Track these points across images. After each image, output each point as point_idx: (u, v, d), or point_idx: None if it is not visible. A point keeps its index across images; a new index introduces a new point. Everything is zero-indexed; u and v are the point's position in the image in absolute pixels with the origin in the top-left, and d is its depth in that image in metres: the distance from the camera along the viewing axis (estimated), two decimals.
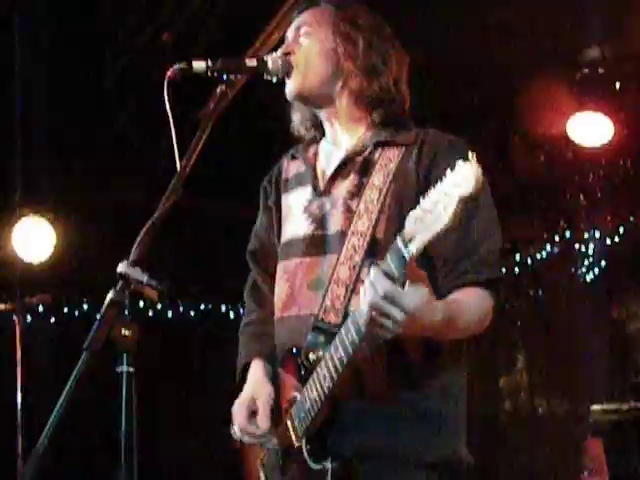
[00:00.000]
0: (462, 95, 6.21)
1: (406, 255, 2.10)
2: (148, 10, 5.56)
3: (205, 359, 7.83)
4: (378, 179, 2.58)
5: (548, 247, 7.44)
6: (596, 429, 5.93)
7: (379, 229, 2.53)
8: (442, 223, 2.02)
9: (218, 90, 2.47)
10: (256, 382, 2.77)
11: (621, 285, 7.58)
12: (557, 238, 7.49)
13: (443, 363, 2.55)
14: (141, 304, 2.24)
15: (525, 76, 6.14)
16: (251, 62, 2.59)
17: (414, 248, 2.08)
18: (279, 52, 2.69)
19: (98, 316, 2.12)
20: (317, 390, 2.46)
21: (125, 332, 2.12)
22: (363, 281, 2.31)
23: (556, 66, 6.23)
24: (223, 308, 8.12)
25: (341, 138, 2.74)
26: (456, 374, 2.60)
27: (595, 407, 5.90)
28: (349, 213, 2.58)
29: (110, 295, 2.12)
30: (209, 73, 2.50)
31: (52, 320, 7.33)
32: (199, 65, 2.49)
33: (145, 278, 2.13)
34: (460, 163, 2.01)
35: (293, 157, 2.86)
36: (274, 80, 2.66)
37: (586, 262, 7.50)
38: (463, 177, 1.99)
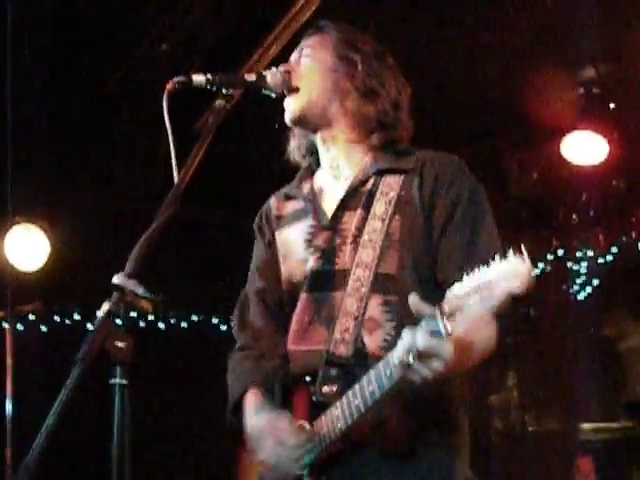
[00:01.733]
0: (457, 113, 6.22)
1: (442, 332, 2.07)
2: (147, 21, 5.55)
3: (196, 371, 7.80)
4: (380, 208, 2.59)
5: (541, 265, 7.44)
6: (587, 447, 5.94)
7: (386, 261, 2.54)
8: (481, 312, 2.02)
9: (217, 104, 2.47)
10: (269, 412, 2.65)
11: (613, 304, 7.60)
12: (550, 256, 7.50)
13: (449, 394, 2.53)
14: (133, 315, 2.22)
15: (520, 94, 6.15)
16: (250, 77, 2.60)
17: (450, 329, 2.05)
18: (279, 69, 2.70)
19: (89, 325, 2.11)
20: (328, 428, 2.45)
21: (119, 344, 2.11)
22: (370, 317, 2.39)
23: (551, 85, 6.25)
24: (215, 320, 8.11)
25: (339, 164, 2.74)
26: (457, 398, 2.58)
27: (586, 425, 5.92)
28: (355, 245, 2.59)
29: (105, 306, 2.11)
30: (208, 87, 2.50)
31: (43, 329, 7.30)
32: (198, 79, 2.49)
33: (141, 290, 2.12)
34: (512, 255, 2.01)
35: (287, 197, 2.85)
36: (273, 95, 2.66)
37: (579, 280, 7.52)
38: (514, 272, 1.99)
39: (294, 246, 2.73)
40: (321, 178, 2.80)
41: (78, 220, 6.80)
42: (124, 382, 2.10)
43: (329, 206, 2.70)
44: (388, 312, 2.51)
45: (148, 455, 7.04)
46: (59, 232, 6.60)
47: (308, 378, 2.55)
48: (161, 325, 7.84)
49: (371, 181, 2.65)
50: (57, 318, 7.38)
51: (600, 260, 7.44)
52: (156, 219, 2.21)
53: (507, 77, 6.00)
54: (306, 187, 2.80)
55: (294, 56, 2.80)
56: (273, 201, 2.88)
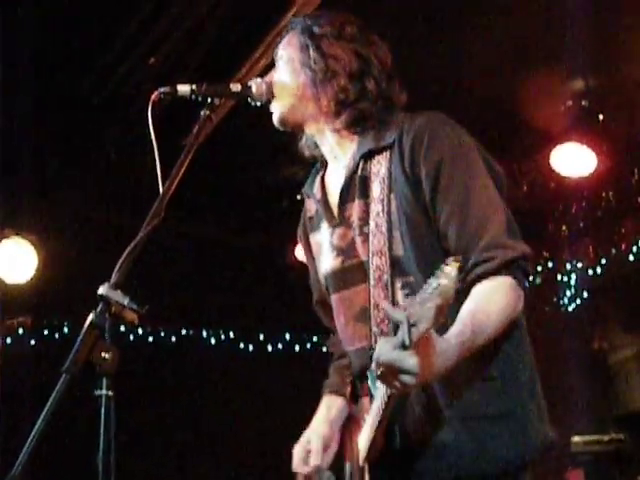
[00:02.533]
0: None
1: (407, 342, 1.98)
2: (136, 34, 5.56)
3: (186, 384, 7.80)
4: (376, 190, 2.52)
5: (530, 277, 7.44)
6: (578, 460, 5.93)
7: (394, 243, 2.47)
8: (429, 321, 1.95)
9: (202, 114, 2.47)
10: (315, 422, 2.82)
11: (603, 316, 7.61)
12: (540, 268, 7.52)
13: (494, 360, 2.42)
14: (122, 328, 2.22)
15: (509, 106, 6.17)
16: (235, 87, 2.59)
17: (414, 338, 1.97)
18: (264, 79, 2.68)
19: (78, 339, 2.11)
20: (372, 420, 2.42)
21: (105, 355, 2.11)
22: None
23: (541, 98, 6.27)
24: (204, 333, 8.10)
25: (337, 154, 2.70)
26: (514, 362, 2.47)
27: (576, 438, 5.90)
28: (364, 237, 2.53)
29: (90, 317, 2.11)
30: (193, 97, 2.50)
31: (32, 342, 7.29)
32: (183, 89, 2.49)
33: (126, 301, 2.12)
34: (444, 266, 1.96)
35: (307, 195, 2.82)
36: (258, 104, 2.66)
37: (568, 293, 7.53)
38: (443, 281, 1.95)
39: (322, 247, 2.71)
40: (329, 171, 2.76)
41: (67, 234, 6.80)
42: (109, 393, 2.10)
43: (335, 201, 2.66)
44: (408, 294, 2.35)
45: (134, 466, 7.03)
46: (48, 246, 6.59)
47: (365, 375, 2.53)
48: (150, 339, 7.84)
49: (360, 166, 2.58)
50: (46, 332, 7.37)
51: (590, 272, 7.46)
52: (141, 230, 2.22)
53: (496, 89, 6.01)
54: (317, 184, 2.77)
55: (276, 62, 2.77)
56: (306, 202, 2.85)
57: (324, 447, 2.73)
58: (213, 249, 7.63)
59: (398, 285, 2.45)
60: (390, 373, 2.06)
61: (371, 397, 2.46)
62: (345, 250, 2.60)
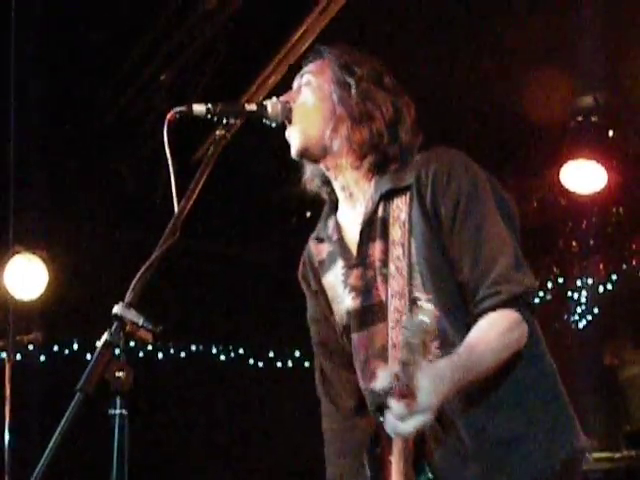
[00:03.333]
0: (455, 142, 6.24)
1: (406, 379, 2.13)
2: (148, 51, 5.58)
3: (195, 401, 7.79)
4: (396, 233, 2.56)
5: (541, 294, 7.44)
6: (588, 478, 5.91)
7: (415, 286, 2.52)
8: (419, 353, 2.10)
9: (217, 134, 2.47)
10: None
11: (614, 332, 7.59)
12: (550, 285, 7.50)
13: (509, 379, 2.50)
14: (132, 344, 2.23)
15: (519, 122, 6.18)
16: (250, 106, 2.58)
17: (410, 373, 2.12)
18: (280, 99, 2.67)
19: (89, 356, 2.12)
20: (397, 460, 2.43)
21: (119, 374, 2.11)
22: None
23: (550, 114, 6.28)
24: (214, 350, 8.10)
25: (352, 192, 2.70)
26: (530, 385, 2.55)
27: (587, 455, 5.88)
28: (383, 277, 2.57)
29: (105, 336, 2.12)
30: (209, 116, 2.50)
31: (42, 358, 7.30)
32: (199, 108, 2.48)
33: (141, 320, 2.13)
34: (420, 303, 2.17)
35: (320, 239, 2.81)
36: (273, 125, 2.66)
37: (579, 309, 7.52)
38: (420, 319, 2.11)
39: (336, 289, 2.72)
40: (342, 210, 2.76)
41: (78, 250, 6.82)
42: (124, 412, 2.11)
43: (353, 241, 2.68)
44: None
45: None
46: (59, 262, 6.60)
47: (381, 417, 2.49)
48: (160, 355, 7.84)
49: (381, 207, 2.61)
50: (56, 348, 7.38)
51: (600, 288, 7.45)
52: (156, 249, 2.22)
53: (505, 106, 6.02)
54: (331, 225, 2.77)
55: (295, 83, 2.77)
56: (312, 246, 2.85)
57: None
58: (223, 265, 7.63)
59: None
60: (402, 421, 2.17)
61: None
62: (363, 290, 2.62)
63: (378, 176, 2.65)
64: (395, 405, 2.15)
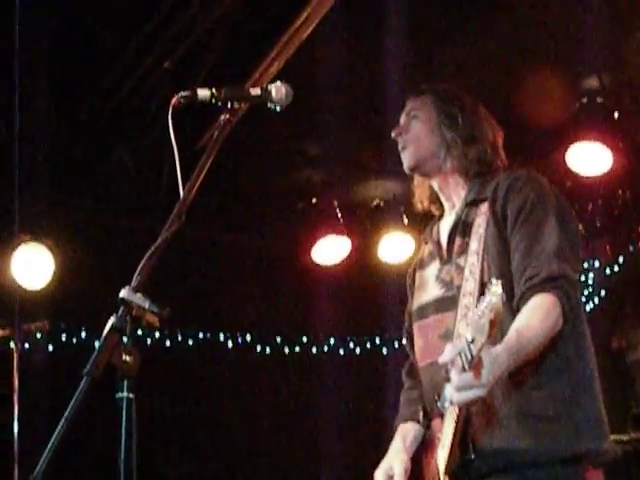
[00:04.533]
0: None
1: (467, 363, 2.44)
2: (150, 38, 5.58)
3: (203, 387, 7.82)
4: (474, 244, 2.93)
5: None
6: (596, 461, 5.92)
7: (484, 274, 2.86)
8: (484, 335, 2.39)
9: (222, 118, 2.49)
10: (394, 450, 3.10)
11: (621, 315, 7.59)
12: None
13: (544, 370, 2.81)
14: (139, 333, 2.24)
15: (524, 105, 6.17)
16: (255, 91, 2.61)
17: (475, 353, 2.42)
18: (392, 133, 3.15)
19: (96, 344, 2.13)
20: (446, 435, 2.73)
21: (126, 358, 2.13)
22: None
23: (555, 95, 6.27)
24: (221, 337, 8.12)
25: (453, 199, 3.14)
26: (564, 370, 2.84)
27: None
28: (459, 269, 2.96)
29: (112, 321, 2.13)
30: (213, 101, 2.52)
31: (50, 347, 7.32)
32: (204, 93, 2.50)
33: (147, 304, 2.14)
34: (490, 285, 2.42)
35: (425, 241, 3.26)
36: (277, 109, 2.67)
37: (586, 292, 7.51)
38: (493, 298, 2.39)
39: (428, 280, 3.11)
40: (445, 216, 3.19)
41: (84, 238, 6.83)
42: (131, 396, 2.13)
43: (445, 241, 3.10)
44: None
45: (155, 470, 7.07)
46: (65, 250, 6.62)
47: (437, 395, 2.83)
48: (168, 342, 7.85)
49: (465, 211, 3.05)
50: (64, 337, 7.40)
51: (607, 271, 7.44)
52: (162, 234, 2.23)
53: (509, 88, 6.02)
54: (434, 231, 3.20)
55: (403, 118, 3.21)
56: (420, 246, 3.32)
57: (405, 471, 3.01)
58: (229, 252, 7.64)
59: None
60: (462, 390, 2.50)
61: (442, 417, 2.80)
62: (448, 283, 3.00)
63: (467, 187, 3.10)
64: (456, 376, 2.46)
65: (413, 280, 3.24)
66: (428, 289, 3.10)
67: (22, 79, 5.29)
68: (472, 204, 3.04)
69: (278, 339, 8.30)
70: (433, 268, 3.11)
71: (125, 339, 2.15)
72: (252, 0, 5.31)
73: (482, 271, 2.86)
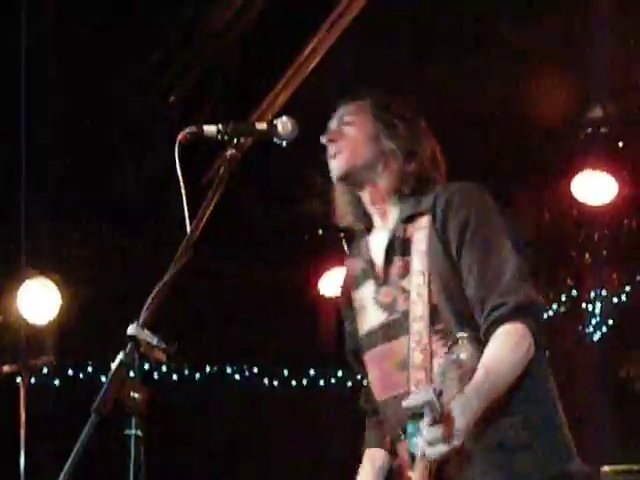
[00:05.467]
0: (466, 152, 6.26)
1: (438, 418, 2.26)
2: (156, 69, 5.61)
3: (210, 421, 7.78)
4: (418, 261, 2.76)
5: (555, 306, 7.43)
6: None
7: (432, 297, 2.71)
8: (452, 391, 2.26)
9: (228, 153, 2.49)
10: (364, 474, 3.01)
11: (629, 344, 7.56)
12: (563, 297, 7.49)
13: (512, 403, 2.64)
14: (146, 366, 2.24)
15: (528, 135, 6.19)
16: (261, 125, 2.62)
17: (444, 410, 2.25)
18: (322, 139, 2.92)
19: (103, 379, 2.12)
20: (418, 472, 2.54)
21: (134, 395, 2.12)
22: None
23: (560, 125, 6.29)
24: (228, 370, 8.10)
25: (387, 215, 2.93)
26: (532, 397, 2.68)
27: (605, 468, 5.85)
28: (404, 293, 2.77)
29: (120, 357, 2.12)
30: (220, 137, 2.52)
31: (56, 382, 7.30)
32: (210, 129, 2.51)
33: (155, 340, 2.14)
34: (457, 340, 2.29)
35: (352, 255, 3.06)
36: (283, 144, 2.69)
37: (593, 321, 7.50)
38: (462, 354, 2.27)
39: (367, 303, 2.92)
40: (375, 232, 2.98)
41: (90, 273, 6.83)
42: (139, 433, 2.11)
43: (380, 260, 2.89)
44: (441, 338, 2.70)
45: None
46: (71, 285, 6.62)
47: (400, 432, 2.71)
48: (175, 376, 7.83)
49: (401, 229, 2.84)
50: (70, 372, 7.38)
51: (614, 300, 7.43)
52: (170, 269, 2.23)
53: (514, 119, 6.04)
54: (363, 245, 2.99)
55: (334, 123, 2.97)
56: (348, 261, 3.10)
57: None
58: (236, 284, 7.63)
59: (433, 330, 2.71)
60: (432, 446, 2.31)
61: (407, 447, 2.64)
62: (389, 306, 2.82)
63: (402, 201, 2.89)
64: (427, 429, 2.27)
65: (349, 300, 3.02)
66: (369, 313, 2.91)
67: (29, 113, 5.32)
68: (408, 220, 2.85)
69: (285, 372, 8.28)
70: (368, 289, 2.92)
71: (133, 376, 2.14)
72: (257, 34, 5.33)
73: (430, 293, 2.70)
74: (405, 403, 2.32)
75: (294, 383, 8.29)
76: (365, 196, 2.95)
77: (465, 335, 2.30)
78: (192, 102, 5.69)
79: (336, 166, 2.91)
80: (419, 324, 2.70)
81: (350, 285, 3.02)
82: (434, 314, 2.69)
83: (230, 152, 2.51)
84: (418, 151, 2.90)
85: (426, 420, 2.27)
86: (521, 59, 5.66)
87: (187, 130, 2.50)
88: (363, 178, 2.91)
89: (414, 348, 2.70)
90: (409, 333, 2.73)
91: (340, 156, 2.89)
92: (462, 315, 2.67)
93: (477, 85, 5.78)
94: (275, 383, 8.24)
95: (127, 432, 2.12)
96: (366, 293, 2.93)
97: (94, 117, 6.01)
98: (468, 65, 5.66)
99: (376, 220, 2.96)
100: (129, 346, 2.13)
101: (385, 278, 2.85)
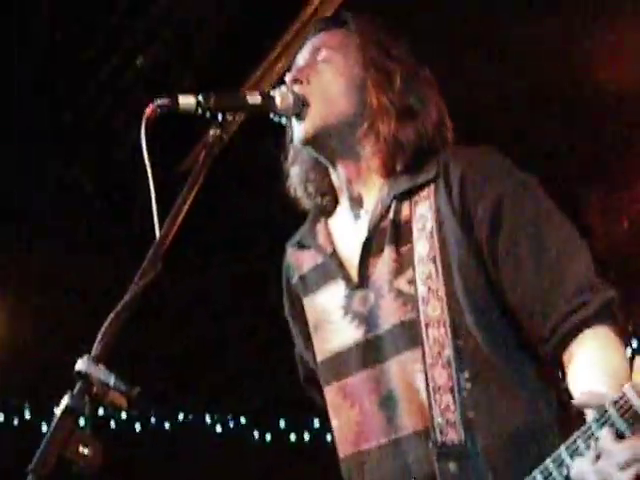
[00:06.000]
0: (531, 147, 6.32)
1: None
2: (119, 26, 5.62)
3: None
4: (423, 248, 2.57)
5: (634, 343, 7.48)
6: None
7: (456, 311, 2.53)
8: None
9: (211, 134, 2.44)
10: None
11: None
12: None
13: None
14: (101, 412, 2.24)
15: (603, 128, 6.26)
16: (254, 98, 2.57)
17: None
18: (287, 81, 2.69)
19: (44, 426, 2.11)
20: None
21: (84, 451, 2.10)
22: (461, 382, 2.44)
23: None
24: (208, 419, 8.11)
25: (364, 197, 2.75)
26: None
27: None
28: (402, 297, 2.58)
29: (65, 401, 2.10)
30: (200, 111, 2.48)
31: None
32: (187, 101, 2.47)
33: (112, 380, 2.11)
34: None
35: (300, 245, 2.88)
36: (283, 121, 2.66)
37: None
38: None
39: (330, 315, 2.75)
40: (340, 218, 2.83)
41: (30, 299, 6.85)
42: None
43: (352, 256, 2.71)
44: (464, 371, 2.54)
45: None
46: (5, 311, 6.66)
47: None
48: (137, 426, 7.85)
49: (392, 210, 2.66)
50: (1, 416, 7.40)
51: None
52: (131, 288, 2.19)
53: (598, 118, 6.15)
54: (321, 233, 2.83)
55: (304, 58, 2.80)
56: (290, 255, 2.91)
57: None
58: (216, 310, 7.64)
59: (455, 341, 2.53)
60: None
61: None
62: (368, 318, 2.65)
63: (394, 176, 2.69)
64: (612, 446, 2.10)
65: (295, 309, 2.90)
66: (336, 329, 2.73)
67: None
68: (402, 197, 2.66)
69: (282, 422, 8.29)
70: (332, 295, 2.74)
71: (83, 425, 2.13)
72: None
73: (451, 303, 2.52)
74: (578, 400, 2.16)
75: (293, 437, 8.31)
76: (338, 170, 2.77)
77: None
78: (166, 69, 5.71)
79: (304, 126, 2.70)
80: (438, 330, 2.52)
81: (299, 289, 2.86)
82: (455, 316, 2.52)
83: (213, 133, 2.46)
84: (419, 111, 2.70)
85: (607, 434, 2.11)
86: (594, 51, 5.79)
87: (157, 102, 2.44)
88: (339, 143, 2.71)
89: (433, 363, 2.51)
90: (420, 344, 2.53)
91: (310, 112, 2.68)
92: (490, 327, 2.52)
93: (549, 79, 5.89)
94: (268, 437, 8.26)
95: None
96: (329, 300, 2.75)
97: (40, 91, 6.04)
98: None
99: (346, 201, 2.79)
100: (78, 386, 2.11)
101: (362, 279, 2.67)
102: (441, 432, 2.50)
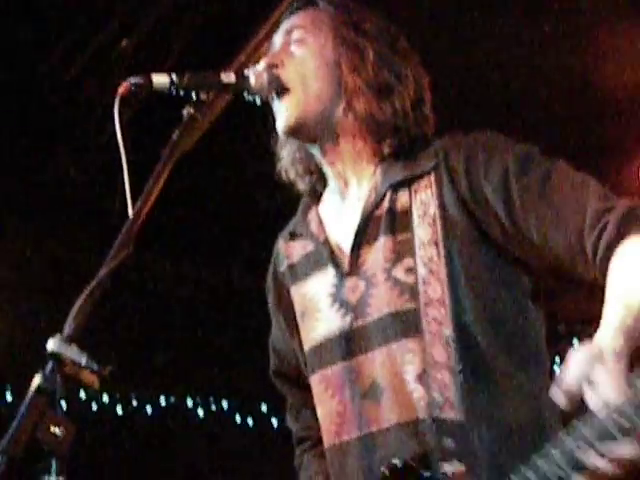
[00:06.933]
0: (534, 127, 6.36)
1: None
2: (103, 10, 5.61)
3: (165, 468, 7.80)
4: (425, 233, 2.57)
5: None
6: None
7: (456, 293, 2.54)
8: None
9: (184, 113, 2.44)
10: None
11: None
12: None
13: None
14: (82, 396, 2.23)
15: (590, 106, 6.27)
16: (228, 77, 2.57)
17: None
18: (262, 64, 2.68)
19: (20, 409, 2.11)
20: None
21: (55, 430, 2.10)
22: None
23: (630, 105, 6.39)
24: (190, 403, 8.10)
25: (348, 182, 2.75)
26: None
27: None
28: (399, 285, 2.57)
29: (36, 381, 2.10)
30: (173, 90, 2.48)
31: None
32: (160, 80, 2.48)
33: (84, 359, 2.11)
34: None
35: (292, 236, 2.87)
36: (258, 101, 2.65)
37: None
38: None
39: (318, 303, 2.75)
40: (329, 204, 2.83)
41: (6, 277, 6.84)
42: None
43: (344, 243, 2.71)
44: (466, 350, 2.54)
45: None
46: None
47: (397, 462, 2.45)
48: (119, 409, 7.84)
49: (387, 198, 2.65)
50: None
51: None
52: (103, 267, 2.19)
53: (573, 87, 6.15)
54: (313, 220, 2.82)
55: (279, 41, 2.79)
56: (281, 245, 2.90)
57: None
58: (198, 291, 7.64)
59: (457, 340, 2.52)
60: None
61: None
62: (356, 307, 2.64)
63: (386, 163, 2.69)
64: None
65: (283, 299, 2.88)
66: (322, 317, 2.73)
67: None
68: (398, 186, 2.65)
69: (264, 407, 8.29)
70: (321, 283, 2.74)
71: (55, 405, 2.12)
72: None
73: (452, 286, 2.52)
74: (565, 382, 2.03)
75: (275, 422, 8.32)
76: (318, 152, 2.77)
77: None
78: (150, 48, 5.69)
79: (285, 115, 2.69)
80: (439, 311, 2.51)
81: (286, 278, 2.85)
82: (456, 298, 2.52)
83: (187, 112, 2.45)
84: (395, 86, 2.68)
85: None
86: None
87: (131, 80, 2.46)
88: (319, 128, 2.71)
89: (431, 343, 2.50)
90: (415, 334, 2.52)
91: (287, 98, 2.68)
92: (494, 311, 2.53)
93: (541, 68, 5.92)
94: (250, 421, 8.26)
95: (45, 479, 2.11)
96: (318, 288, 2.75)
97: (22, 73, 6.02)
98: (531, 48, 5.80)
99: (334, 184, 2.79)
100: (49, 366, 2.10)
101: (353, 267, 2.67)
102: (440, 409, 2.49)
